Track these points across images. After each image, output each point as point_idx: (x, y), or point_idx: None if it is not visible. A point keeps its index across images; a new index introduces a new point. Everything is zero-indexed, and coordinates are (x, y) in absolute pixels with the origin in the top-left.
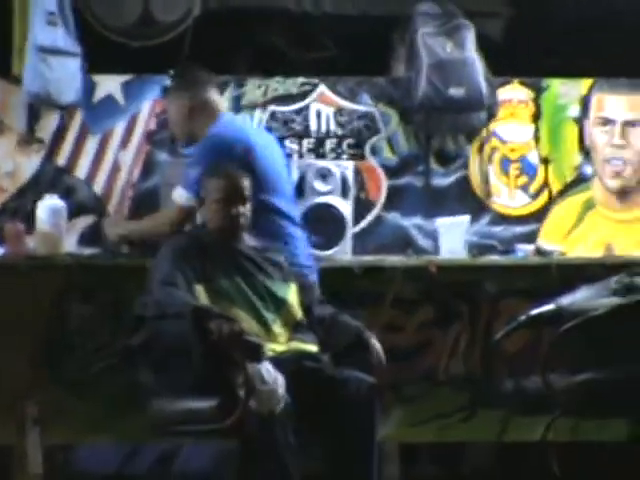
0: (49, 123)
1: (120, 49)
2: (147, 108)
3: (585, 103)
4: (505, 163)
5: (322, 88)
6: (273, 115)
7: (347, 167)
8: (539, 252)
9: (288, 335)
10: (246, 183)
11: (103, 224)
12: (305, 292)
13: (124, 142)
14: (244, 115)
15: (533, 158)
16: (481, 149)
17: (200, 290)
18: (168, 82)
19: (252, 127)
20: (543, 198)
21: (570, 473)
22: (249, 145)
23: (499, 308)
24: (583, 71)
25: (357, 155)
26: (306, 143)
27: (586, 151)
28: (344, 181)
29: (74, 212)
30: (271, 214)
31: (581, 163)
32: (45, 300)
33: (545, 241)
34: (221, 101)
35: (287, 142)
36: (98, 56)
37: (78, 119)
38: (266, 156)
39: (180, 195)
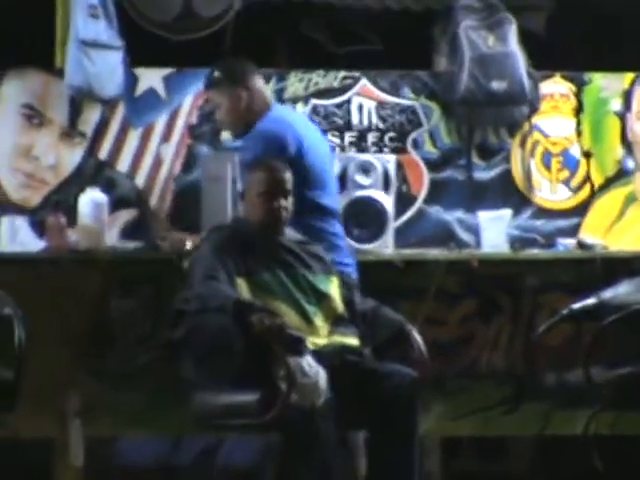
0: (91, 116)
1: (161, 43)
2: (189, 102)
3: (627, 97)
4: (547, 157)
5: (364, 82)
6: (315, 109)
7: (389, 161)
8: (581, 246)
9: (329, 328)
10: (288, 176)
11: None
12: (346, 288)
13: (166, 136)
14: (294, 108)
15: (575, 152)
16: (523, 143)
17: (242, 284)
18: (214, 75)
19: (303, 121)
20: (585, 192)
21: (612, 467)
22: (300, 141)
23: (541, 302)
24: (625, 65)
25: (399, 149)
26: (348, 137)
27: (628, 145)
28: (386, 175)
29: (116, 206)
30: (316, 212)
31: (623, 157)
32: (87, 293)
33: (587, 235)
34: (269, 92)
35: (329, 136)
36: (140, 49)
37: (120, 112)
38: (315, 151)
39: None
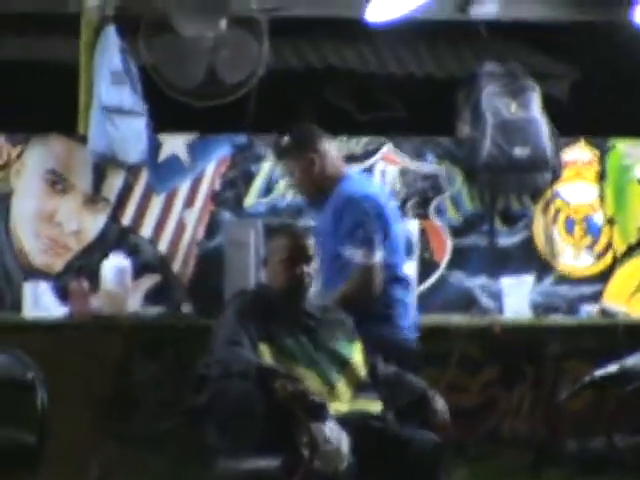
0: (114, 182)
1: (185, 109)
2: (212, 168)
3: None
4: (570, 223)
5: (387, 147)
6: None
7: (412, 227)
8: (604, 312)
9: (352, 394)
10: (310, 242)
11: None
12: (406, 359)
13: (189, 201)
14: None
15: (598, 218)
16: (545, 209)
17: (264, 349)
18: (284, 142)
19: (381, 186)
20: (607, 259)
21: None
22: (385, 206)
23: (563, 368)
24: None
25: (422, 214)
26: None
27: None
28: (409, 241)
29: (139, 271)
30: (396, 281)
31: None
32: (110, 358)
33: (610, 301)
34: (340, 157)
35: None
36: (163, 115)
37: (143, 178)
38: (395, 219)
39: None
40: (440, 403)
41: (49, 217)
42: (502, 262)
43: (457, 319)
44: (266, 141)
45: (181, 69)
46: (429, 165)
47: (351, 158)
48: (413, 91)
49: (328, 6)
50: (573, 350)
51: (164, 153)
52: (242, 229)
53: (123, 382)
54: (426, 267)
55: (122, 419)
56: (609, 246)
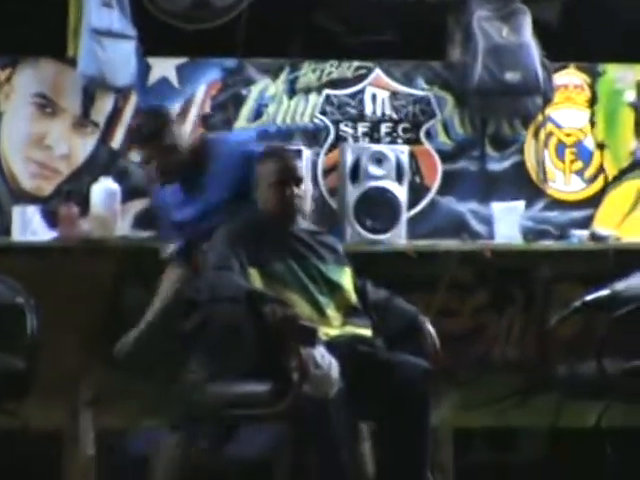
0: (104, 105)
1: (175, 32)
2: (202, 91)
3: None
4: (560, 148)
5: (377, 72)
6: (328, 99)
7: (402, 151)
8: (594, 237)
9: (342, 319)
10: (299, 164)
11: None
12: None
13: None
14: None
15: (589, 143)
16: (536, 134)
17: (254, 274)
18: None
19: None
20: (598, 183)
21: (623, 459)
22: None
23: (553, 293)
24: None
25: (412, 139)
26: (361, 127)
27: None
28: (399, 165)
29: (128, 195)
30: None
31: (637, 148)
32: (99, 282)
33: (600, 226)
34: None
35: (342, 126)
36: (153, 39)
37: (133, 102)
38: None
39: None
40: (430, 328)
41: (38, 141)
42: (493, 187)
43: (447, 244)
44: (256, 65)
45: None
46: (419, 89)
47: (341, 82)
48: (404, 15)
49: None
50: (563, 275)
51: (154, 76)
52: None
53: (112, 306)
54: (416, 192)
55: (111, 344)
56: (600, 171)
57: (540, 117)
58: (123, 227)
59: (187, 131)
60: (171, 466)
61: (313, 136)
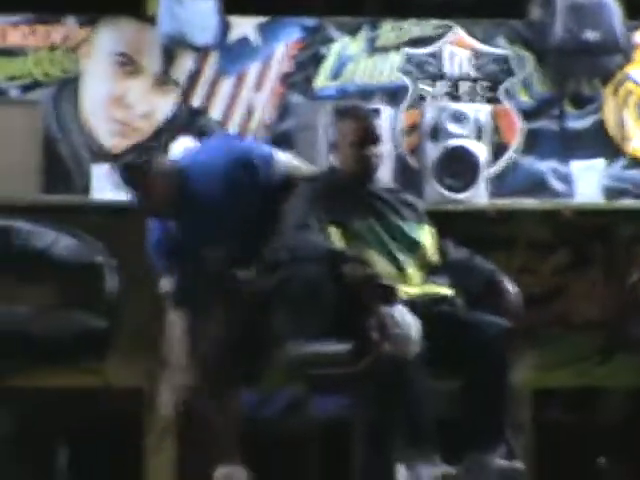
0: (184, 64)
1: None
2: (282, 50)
3: None
4: None
5: (457, 30)
6: (407, 57)
7: (482, 110)
8: None
9: (422, 278)
10: (377, 123)
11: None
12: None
13: (258, 84)
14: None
15: None
16: (616, 92)
17: (334, 233)
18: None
19: None
20: None
21: None
22: None
23: (634, 252)
24: None
25: (492, 98)
26: (440, 86)
27: None
28: (479, 124)
29: None
30: None
31: None
32: None
33: None
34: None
35: (421, 85)
36: None
37: (213, 60)
38: None
39: None
40: (511, 287)
41: (118, 100)
42: (573, 146)
43: (528, 203)
44: (336, 24)
45: None
46: (500, 48)
47: (420, 41)
48: None
49: None
50: None
51: (234, 35)
52: (312, 111)
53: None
54: (496, 151)
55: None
56: None
57: (620, 75)
58: None
59: (266, 91)
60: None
61: (393, 95)
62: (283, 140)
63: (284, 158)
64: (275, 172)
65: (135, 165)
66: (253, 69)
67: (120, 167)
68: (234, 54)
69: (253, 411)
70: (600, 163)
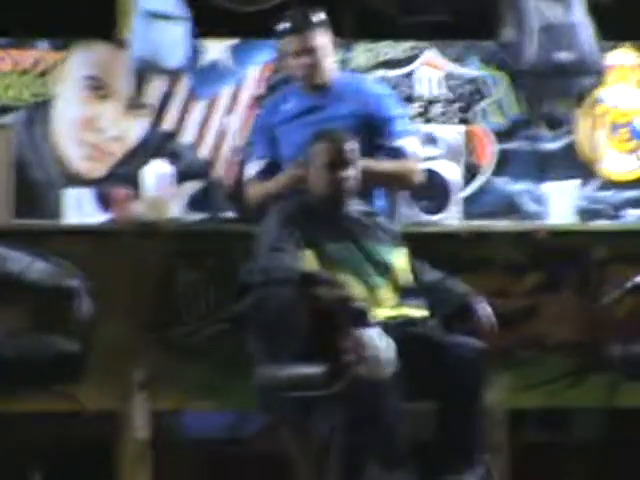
0: (156, 88)
1: (227, 14)
2: (254, 73)
3: None
4: (614, 127)
5: (431, 52)
6: (381, 79)
7: (456, 132)
8: None
9: (396, 300)
10: (351, 145)
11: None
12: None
13: (231, 107)
14: None
15: None
16: (589, 114)
17: (308, 255)
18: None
19: None
20: None
21: None
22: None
23: (608, 273)
24: None
25: (465, 119)
26: (414, 107)
27: None
28: (453, 146)
29: (181, 177)
30: None
31: None
32: (152, 265)
33: None
34: None
35: None
36: (205, 21)
37: (185, 84)
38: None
39: None
40: (485, 309)
41: (90, 123)
42: (547, 167)
43: (501, 224)
44: None
45: None
46: (473, 70)
47: (394, 63)
48: None
49: None
50: (617, 255)
51: (206, 58)
52: None
53: (165, 289)
54: (471, 172)
55: (164, 327)
56: None
57: (593, 96)
58: (175, 209)
59: (239, 114)
60: None
61: None
62: None
63: None
64: None
65: None
66: (225, 92)
67: None
68: (206, 77)
69: (231, 431)
70: (573, 184)
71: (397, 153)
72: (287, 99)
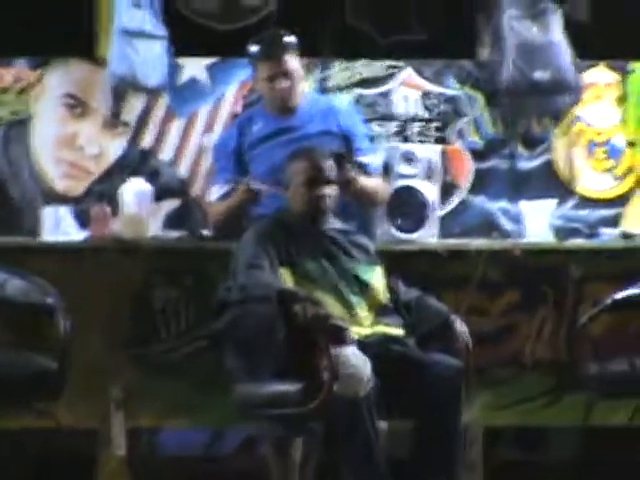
0: (134, 106)
1: (205, 32)
2: (233, 91)
3: None
4: (591, 146)
5: (408, 71)
6: (359, 98)
7: (433, 150)
8: (624, 236)
9: (373, 318)
10: (329, 164)
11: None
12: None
13: (209, 125)
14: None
15: (619, 141)
16: (567, 132)
17: (285, 273)
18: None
19: None
20: (629, 182)
21: None
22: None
23: (584, 292)
24: None
25: (442, 138)
26: (392, 126)
27: None
28: (430, 164)
29: (159, 195)
30: None
31: None
32: (130, 283)
33: (630, 225)
34: None
35: (372, 125)
36: (183, 39)
37: (163, 102)
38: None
39: None
40: (462, 327)
41: (69, 141)
42: (523, 186)
43: (478, 242)
44: None
45: None
46: (449, 89)
47: (371, 81)
48: (434, 14)
49: None
50: (594, 273)
51: (184, 76)
52: None
53: (143, 306)
54: (447, 191)
55: (142, 345)
56: (630, 169)
57: (570, 115)
58: (154, 227)
59: (217, 132)
60: None
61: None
62: None
63: None
64: None
65: None
66: (204, 110)
67: None
68: (184, 95)
69: (205, 449)
70: (550, 203)
71: (364, 169)
72: (254, 121)
